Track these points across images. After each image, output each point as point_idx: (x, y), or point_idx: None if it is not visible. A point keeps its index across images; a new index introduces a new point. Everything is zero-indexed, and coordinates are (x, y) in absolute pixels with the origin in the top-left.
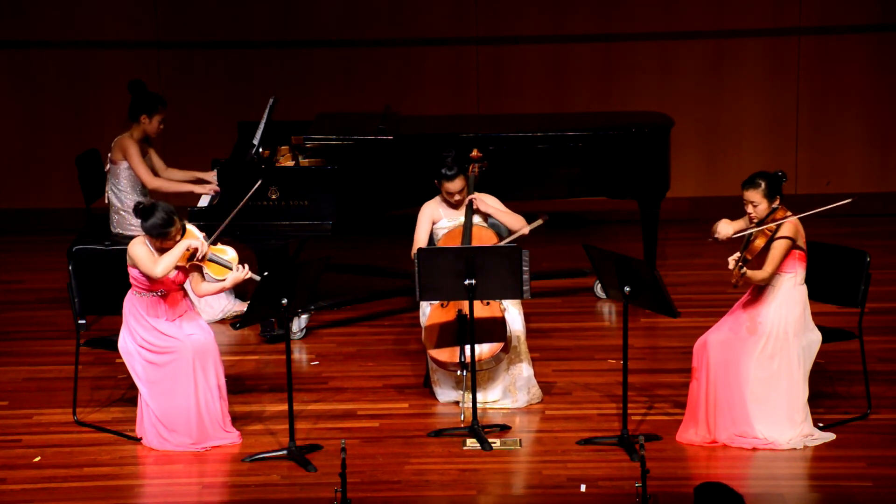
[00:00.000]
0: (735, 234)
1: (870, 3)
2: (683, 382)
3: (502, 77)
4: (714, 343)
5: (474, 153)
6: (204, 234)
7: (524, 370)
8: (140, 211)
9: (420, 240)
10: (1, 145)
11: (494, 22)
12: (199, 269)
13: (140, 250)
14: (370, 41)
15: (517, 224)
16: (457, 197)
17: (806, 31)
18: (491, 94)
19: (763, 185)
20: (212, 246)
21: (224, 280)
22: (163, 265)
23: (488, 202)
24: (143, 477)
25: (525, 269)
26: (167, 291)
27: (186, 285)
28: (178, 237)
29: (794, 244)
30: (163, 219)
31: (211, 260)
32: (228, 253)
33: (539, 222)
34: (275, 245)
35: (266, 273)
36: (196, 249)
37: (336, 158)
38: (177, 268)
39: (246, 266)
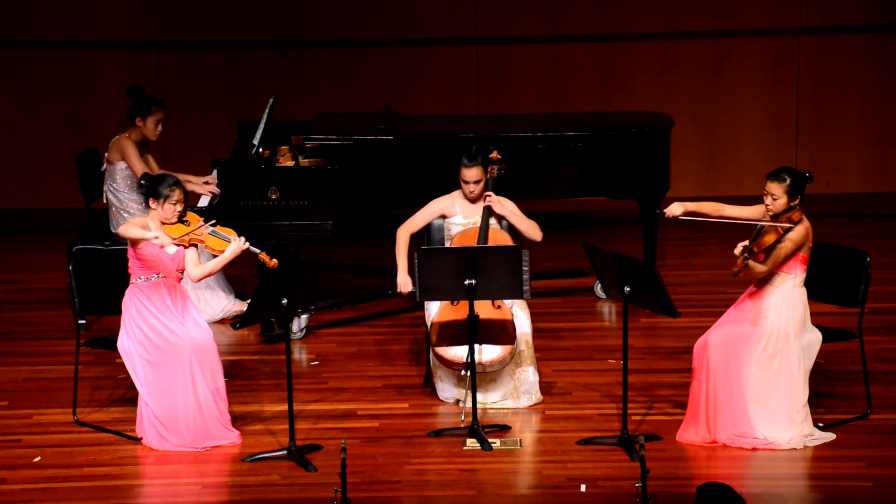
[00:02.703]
0: (683, 214)
1: (870, 3)
2: (683, 382)
3: (502, 77)
4: (714, 343)
5: (494, 154)
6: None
7: (530, 375)
8: (150, 179)
9: (415, 220)
10: (1, 145)
11: (494, 22)
12: (195, 248)
13: (132, 219)
14: (370, 41)
15: (531, 230)
16: (472, 186)
17: (806, 31)
18: (491, 94)
19: (788, 180)
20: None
21: (224, 252)
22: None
23: (505, 205)
24: (143, 477)
25: (525, 269)
26: (165, 276)
27: (186, 285)
28: (179, 207)
29: (798, 248)
30: (170, 182)
31: (211, 234)
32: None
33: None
34: (275, 245)
35: (263, 252)
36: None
37: (336, 158)
38: (175, 243)
39: (244, 238)
